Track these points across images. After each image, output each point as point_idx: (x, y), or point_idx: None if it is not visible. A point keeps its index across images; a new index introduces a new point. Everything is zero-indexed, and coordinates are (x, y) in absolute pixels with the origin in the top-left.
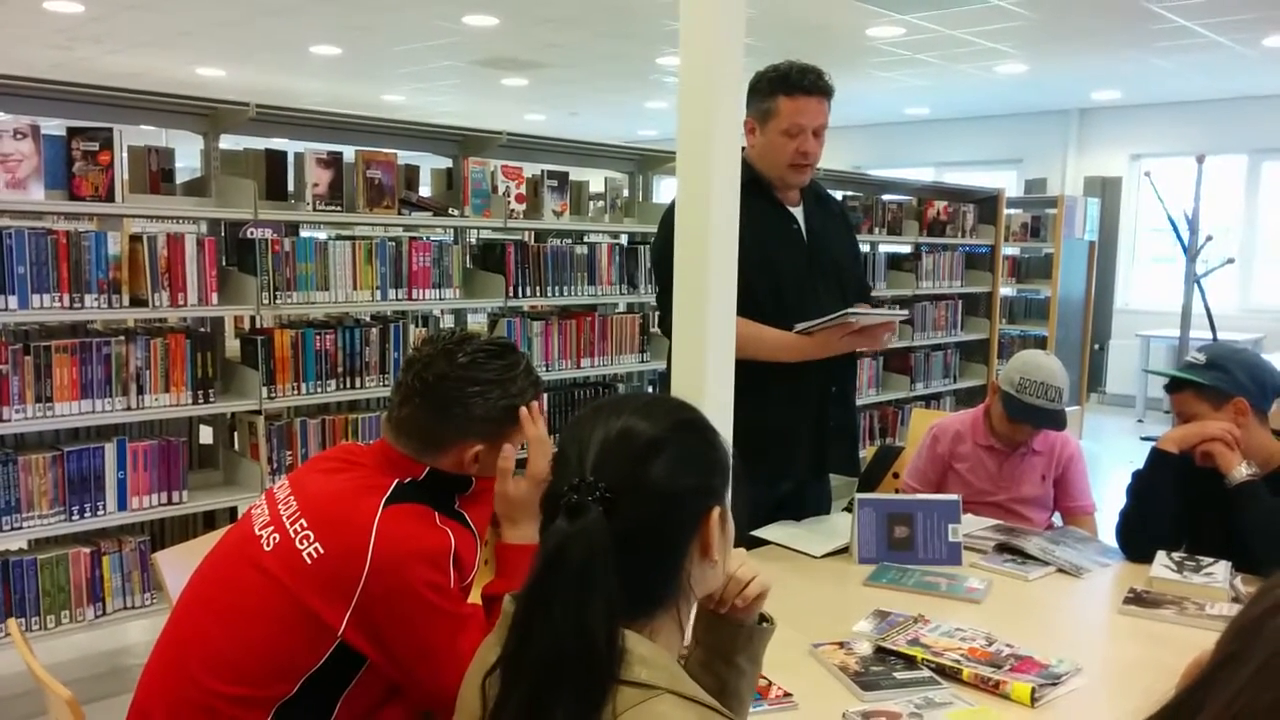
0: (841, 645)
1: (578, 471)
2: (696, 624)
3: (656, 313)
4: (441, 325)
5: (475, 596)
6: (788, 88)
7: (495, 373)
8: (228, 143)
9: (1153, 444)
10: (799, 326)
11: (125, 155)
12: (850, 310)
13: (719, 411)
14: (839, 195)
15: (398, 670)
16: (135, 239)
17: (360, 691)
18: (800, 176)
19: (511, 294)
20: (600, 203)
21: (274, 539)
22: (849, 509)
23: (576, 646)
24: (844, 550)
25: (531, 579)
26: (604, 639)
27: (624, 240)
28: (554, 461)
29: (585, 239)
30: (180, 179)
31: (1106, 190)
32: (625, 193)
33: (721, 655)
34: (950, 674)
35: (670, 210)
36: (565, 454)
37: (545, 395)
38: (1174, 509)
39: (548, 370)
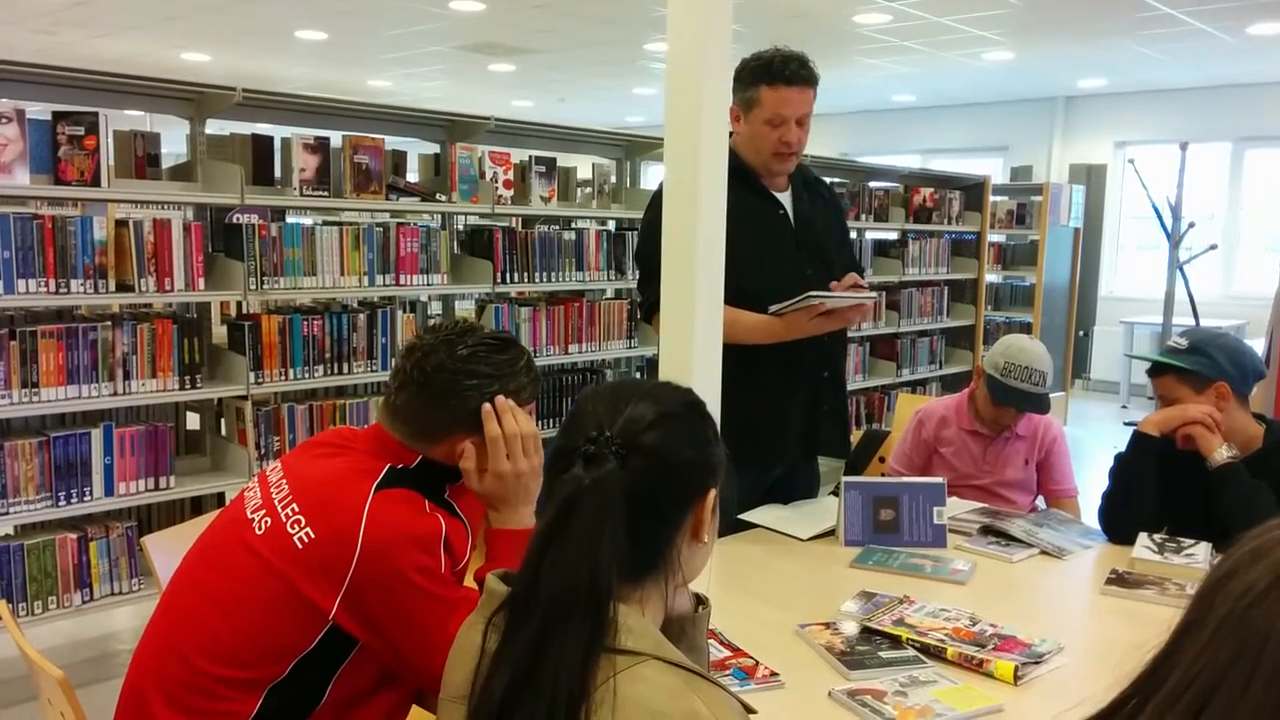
0: (828, 626)
1: (595, 427)
2: None
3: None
4: (430, 311)
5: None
6: (770, 77)
7: (494, 367)
8: (214, 127)
9: (1134, 427)
10: (772, 309)
11: (111, 140)
12: (814, 294)
13: (706, 396)
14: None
15: (389, 653)
16: (121, 224)
17: (352, 672)
18: (784, 165)
19: (499, 280)
20: (588, 189)
21: (265, 523)
22: (836, 492)
23: (589, 581)
24: (830, 533)
25: (545, 525)
26: (608, 583)
27: (611, 226)
28: (568, 422)
29: (573, 225)
30: (166, 164)
31: (1091, 177)
32: (613, 179)
33: None
34: (935, 653)
35: (656, 195)
36: (583, 414)
37: None
38: (1155, 491)
39: (536, 356)
